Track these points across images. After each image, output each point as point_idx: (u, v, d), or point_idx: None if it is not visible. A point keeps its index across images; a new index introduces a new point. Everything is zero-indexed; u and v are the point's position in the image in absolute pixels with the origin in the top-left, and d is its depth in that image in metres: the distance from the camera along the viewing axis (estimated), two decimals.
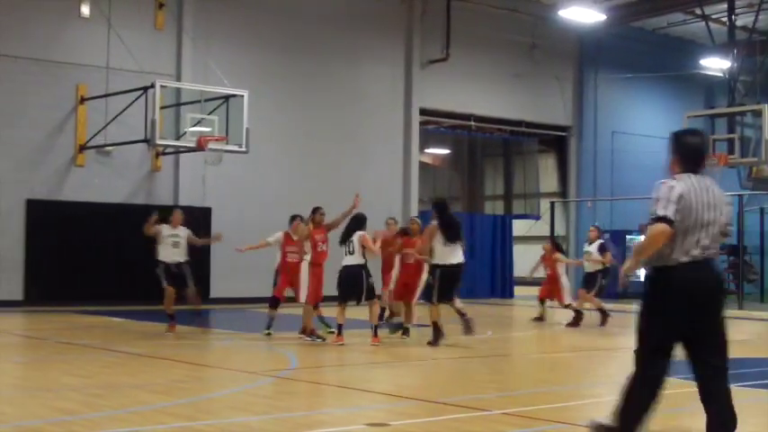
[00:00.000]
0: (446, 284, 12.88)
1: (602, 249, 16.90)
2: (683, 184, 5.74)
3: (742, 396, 9.10)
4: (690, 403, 8.63)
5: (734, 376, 11.13)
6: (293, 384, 9.56)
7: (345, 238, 13.00)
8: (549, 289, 17.63)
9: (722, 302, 5.89)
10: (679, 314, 5.71)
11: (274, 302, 14.15)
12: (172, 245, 14.45)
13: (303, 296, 13.14)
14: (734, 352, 13.04)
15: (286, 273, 14.16)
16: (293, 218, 14.42)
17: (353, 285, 12.88)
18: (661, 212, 5.63)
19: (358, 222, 13.13)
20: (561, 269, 17.70)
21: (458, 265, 12.99)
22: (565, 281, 17.61)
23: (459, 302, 13.20)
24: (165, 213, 20.84)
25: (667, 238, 5.65)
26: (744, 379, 10.51)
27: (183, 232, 14.59)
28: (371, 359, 11.72)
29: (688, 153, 5.95)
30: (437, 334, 12.87)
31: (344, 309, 12.98)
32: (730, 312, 20.59)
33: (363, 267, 12.94)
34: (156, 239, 14.40)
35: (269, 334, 13.81)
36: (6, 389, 8.79)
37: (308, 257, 13.27)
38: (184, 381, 9.39)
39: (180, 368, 10.32)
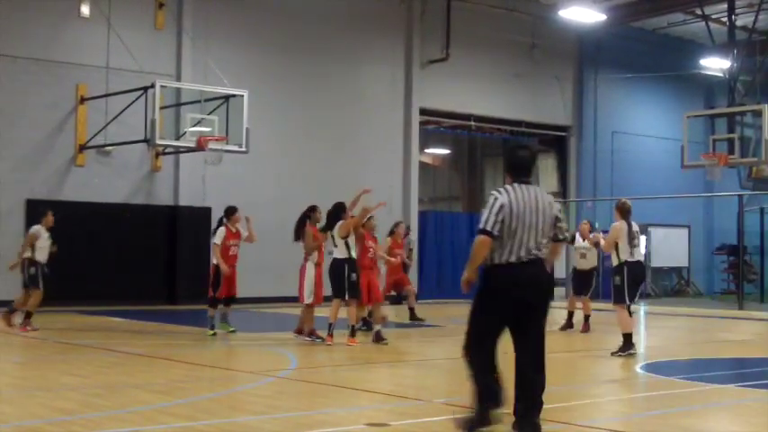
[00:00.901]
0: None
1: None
2: (507, 195, 6.62)
3: (742, 396, 9.11)
4: (691, 403, 8.64)
5: (734, 376, 11.18)
6: (293, 384, 9.55)
7: (326, 230, 12.94)
8: None
9: (545, 298, 6.72)
10: (504, 307, 6.55)
11: (215, 303, 14.10)
12: (47, 247, 14.70)
13: (308, 297, 13.08)
14: (734, 352, 13.05)
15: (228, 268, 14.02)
16: (234, 210, 14.28)
17: (336, 280, 12.79)
18: (482, 226, 6.60)
19: (336, 212, 12.96)
20: None
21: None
22: None
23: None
24: (164, 213, 21.09)
25: (488, 248, 6.58)
26: (744, 379, 10.52)
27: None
28: (371, 359, 11.71)
29: (516, 165, 6.84)
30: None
31: (338, 306, 12.89)
32: (731, 312, 20.61)
33: (347, 261, 12.78)
34: (34, 240, 14.56)
35: (214, 334, 13.83)
36: (6, 388, 8.79)
37: (313, 258, 13.25)
38: (184, 381, 9.39)
39: (179, 368, 10.31)
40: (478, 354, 6.61)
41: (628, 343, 11.93)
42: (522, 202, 6.63)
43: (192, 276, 20.88)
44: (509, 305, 6.57)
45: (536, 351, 6.63)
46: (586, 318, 15.81)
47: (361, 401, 8.40)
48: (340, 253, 12.80)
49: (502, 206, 6.60)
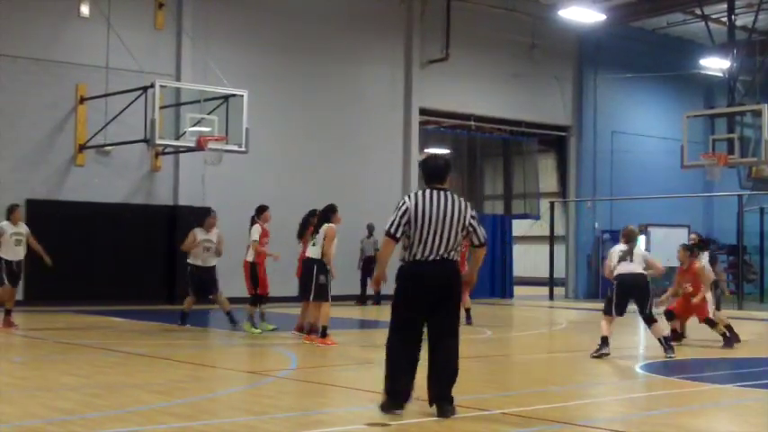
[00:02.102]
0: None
1: (712, 261, 15.20)
2: (413, 200, 7.35)
3: (742, 396, 9.11)
4: (691, 403, 8.64)
5: (733, 376, 11.18)
6: (293, 384, 9.55)
7: (316, 230, 12.93)
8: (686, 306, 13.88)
9: (445, 290, 7.34)
10: (416, 297, 7.31)
11: (256, 301, 14.34)
12: (14, 243, 14.53)
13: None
14: (733, 352, 13.05)
15: (263, 265, 14.31)
16: (265, 208, 14.47)
17: (304, 281, 12.98)
18: (387, 227, 7.36)
19: (326, 214, 12.95)
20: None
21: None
22: (709, 295, 14.05)
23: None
24: (163, 212, 21.09)
25: (392, 247, 7.38)
26: (743, 379, 10.52)
27: (24, 229, 14.67)
28: (371, 359, 11.71)
29: (429, 173, 7.55)
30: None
31: (307, 306, 13.07)
32: (730, 312, 20.70)
33: (316, 262, 12.76)
34: None
35: (261, 332, 14.03)
36: (6, 388, 8.78)
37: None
38: (184, 381, 9.39)
39: (179, 368, 10.32)
40: (396, 343, 7.36)
41: (603, 344, 12.07)
42: (428, 207, 7.31)
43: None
44: (416, 298, 7.32)
45: (445, 339, 7.34)
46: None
47: (362, 401, 8.39)
48: (313, 252, 12.79)
49: (406, 210, 7.33)
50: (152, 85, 17.54)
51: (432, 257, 7.30)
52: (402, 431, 6.91)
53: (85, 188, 20.14)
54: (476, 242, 7.52)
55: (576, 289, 28.25)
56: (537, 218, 28.94)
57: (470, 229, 7.43)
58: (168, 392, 8.53)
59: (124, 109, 18.98)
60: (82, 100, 20.10)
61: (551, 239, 27.33)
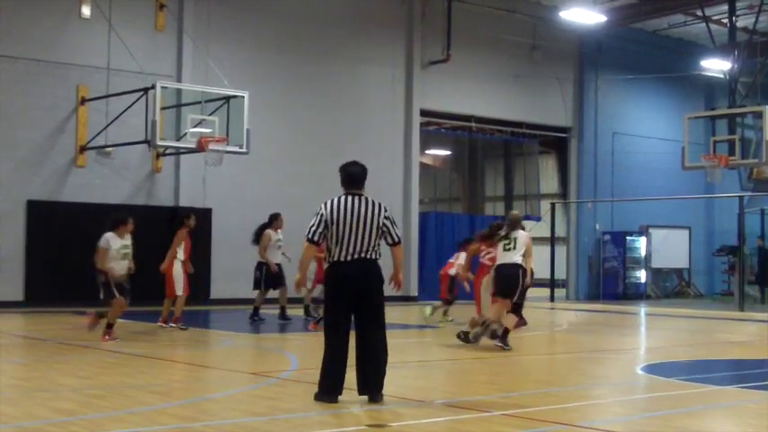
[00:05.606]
0: None
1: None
2: (328, 206, 7.94)
3: (742, 397, 9.11)
4: (692, 405, 8.64)
5: (734, 378, 11.17)
6: (294, 385, 9.55)
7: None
8: None
9: (370, 286, 7.94)
10: (341, 295, 7.92)
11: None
12: (121, 256, 14.39)
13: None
14: (734, 353, 13.04)
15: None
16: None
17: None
18: (309, 235, 7.94)
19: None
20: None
21: None
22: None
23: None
24: (164, 214, 21.10)
25: (313, 252, 8.10)
26: (744, 380, 10.52)
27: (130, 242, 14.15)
28: None
29: (346, 179, 8.14)
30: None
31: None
32: (731, 314, 20.67)
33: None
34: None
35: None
36: (6, 389, 8.79)
37: None
38: (184, 381, 9.40)
39: (180, 369, 10.32)
40: (333, 337, 7.92)
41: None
42: (344, 211, 7.90)
43: (193, 277, 20.86)
44: (342, 295, 7.92)
45: (370, 333, 7.95)
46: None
47: (362, 402, 8.39)
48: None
49: (321, 216, 7.92)
50: (153, 87, 17.54)
51: (350, 258, 7.89)
52: (402, 431, 6.92)
53: (86, 189, 20.13)
54: (389, 241, 8.06)
55: (577, 290, 28.25)
56: (538, 219, 28.92)
57: (384, 229, 8.00)
58: (169, 393, 8.54)
59: (125, 110, 18.99)
60: (83, 101, 20.11)
61: (552, 241, 27.32)
